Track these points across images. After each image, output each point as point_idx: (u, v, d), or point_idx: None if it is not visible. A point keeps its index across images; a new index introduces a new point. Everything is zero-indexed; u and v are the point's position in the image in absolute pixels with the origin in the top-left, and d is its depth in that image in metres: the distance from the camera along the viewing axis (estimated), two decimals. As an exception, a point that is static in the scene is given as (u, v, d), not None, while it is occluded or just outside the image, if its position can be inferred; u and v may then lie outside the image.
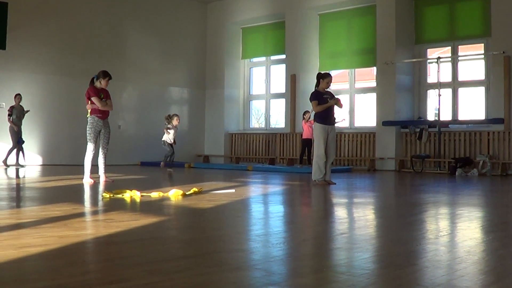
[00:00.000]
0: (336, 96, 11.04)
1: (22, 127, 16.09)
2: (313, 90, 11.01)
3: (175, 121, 15.05)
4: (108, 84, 10.71)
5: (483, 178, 13.75)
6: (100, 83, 10.60)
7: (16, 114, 15.94)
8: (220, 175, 14.27)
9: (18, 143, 15.89)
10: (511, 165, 15.14)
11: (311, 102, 10.89)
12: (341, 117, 11.56)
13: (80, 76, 17.12)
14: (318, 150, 10.62)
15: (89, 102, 10.52)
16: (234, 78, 21.51)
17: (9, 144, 16.00)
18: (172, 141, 15.01)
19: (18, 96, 16.07)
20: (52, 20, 17.80)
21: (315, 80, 11.05)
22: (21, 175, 12.69)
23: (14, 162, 15.97)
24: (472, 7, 16.46)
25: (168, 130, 14.95)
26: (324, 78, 10.83)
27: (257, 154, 20.35)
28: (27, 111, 16.23)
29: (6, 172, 13.60)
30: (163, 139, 15.05)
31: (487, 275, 3.32)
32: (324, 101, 10.64)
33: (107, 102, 10.67)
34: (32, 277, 3.12)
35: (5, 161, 15.89)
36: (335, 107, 10.86)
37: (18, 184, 10.35)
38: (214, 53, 21.59)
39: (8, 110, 15.98)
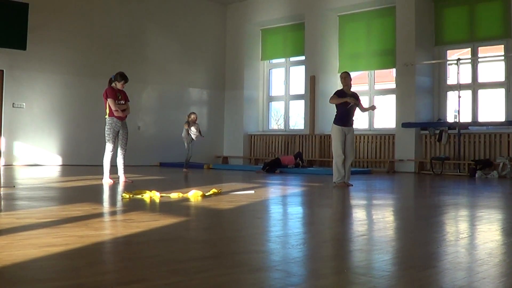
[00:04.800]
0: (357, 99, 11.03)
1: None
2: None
3: (192, 118, 15.46)
4: (125, 86, 10.76)
5: (503, 180, 13.66)
6: (116, 85, 10.64)
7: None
8: (239, 176, 14.29)
9: None
10: (532, 168, 15.03)
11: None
12: (373, 106, 11.54)
13: (99, 76, 17.18)
14: (336, 150, 10.60)
15: (107, 103, 10.56)
16: (254, 79, 21.51)
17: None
18: (195, 136, 15.46)
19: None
20: (72, 21, 17.89)
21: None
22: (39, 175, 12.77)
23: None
24: (492, 9, 16.36)
25: (190, 128, 15.56)
26: (340, 78, 10.93)
27: (276, 155, 20.32)
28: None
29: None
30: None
31: (509, 277, 3.30)
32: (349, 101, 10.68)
33: (127, 104, 10.76)
34: (53, 276, 3.14)
35: None
36: (357, 110, 10.90)
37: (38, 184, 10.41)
38: (233, 55, 21.61)
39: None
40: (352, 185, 10.74)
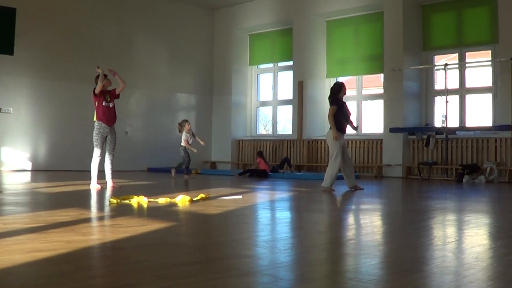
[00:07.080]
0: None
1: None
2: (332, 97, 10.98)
3: (186, 127, 14.84)
4: (108, 81, 10.72)
5: (490, 185, 13.71)
6: (104, 87, 10.59)
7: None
8: (227, 181, 14.28)
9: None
10: (519, 172, 15.10)
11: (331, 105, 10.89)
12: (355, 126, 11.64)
13: (87, 82, 17.02)
14: (337, 157, 10.63)
15: (97, 103, 10.54)
16: (242, 85, 21.52)
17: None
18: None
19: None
20: (59, 26, 17.85)
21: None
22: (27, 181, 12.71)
23: None
24: (480, 14, 16.45)
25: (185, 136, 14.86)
26: (343, 87, 10.96)
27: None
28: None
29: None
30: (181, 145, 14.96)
31: (496, 281, 3.31)
32: (346, 108, 10.85)
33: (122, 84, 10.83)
34: (40, 281, 3.12)
35: None
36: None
37: (26, 189, 10.36)
38: (221, 60, 21.61)
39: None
40: (363, 189, 11.01)
